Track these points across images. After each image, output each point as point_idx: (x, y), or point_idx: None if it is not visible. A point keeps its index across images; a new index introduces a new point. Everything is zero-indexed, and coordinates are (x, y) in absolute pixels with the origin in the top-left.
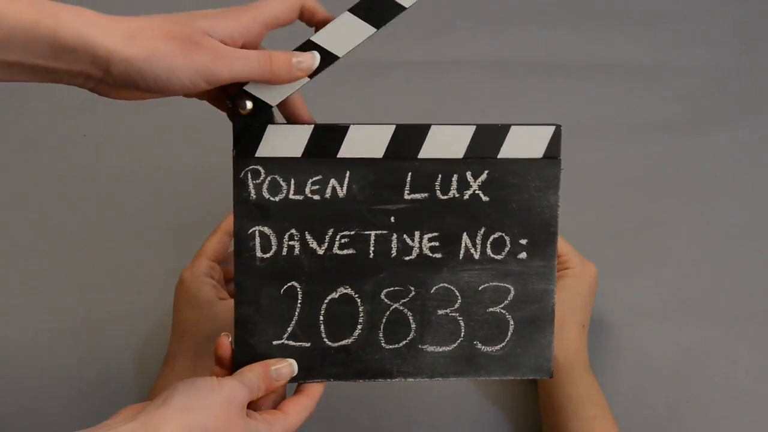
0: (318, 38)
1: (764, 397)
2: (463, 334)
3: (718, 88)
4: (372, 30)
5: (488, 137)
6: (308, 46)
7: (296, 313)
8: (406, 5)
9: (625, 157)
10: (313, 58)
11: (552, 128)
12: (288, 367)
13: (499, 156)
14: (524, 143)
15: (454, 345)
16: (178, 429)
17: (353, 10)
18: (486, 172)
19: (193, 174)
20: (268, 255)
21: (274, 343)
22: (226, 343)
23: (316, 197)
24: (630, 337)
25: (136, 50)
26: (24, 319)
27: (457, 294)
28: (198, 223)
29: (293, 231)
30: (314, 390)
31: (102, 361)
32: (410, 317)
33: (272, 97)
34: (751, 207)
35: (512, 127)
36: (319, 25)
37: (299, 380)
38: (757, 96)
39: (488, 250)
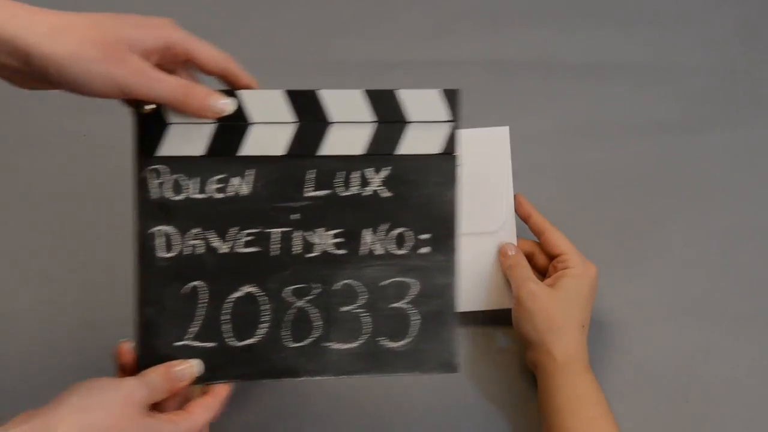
0: (245, 95)
1: (764, 397)
2: (367, 330)
3: (718, 88)
4: (292, 121)
5: (388, 133)
6: (230, 95)
7: (200, 312)
8: (330, 120)
9: (625, 157)
10: (229, 105)
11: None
12: (190, 368)
13: (398, 152)
14: (423, 139)
15: (359, 342)
16: (71, 428)
17: (290, 93)
18: (387, 168)
19: None
20: (170, 255)
21: (178, 344)
22: (126, 349)
23: (220, 195)
24: (630, 337)
25: (58, 48)
26: (24, 319)
27: (361, 290)
28: None
29: (197, 230)
30: (219, 390)
31: (102, 361)
32: (315, 315)
33: None
34: (751, 207)
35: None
36: (238, 87)
37: (204, 381)
38: (757, 96)
39: (391, 246)
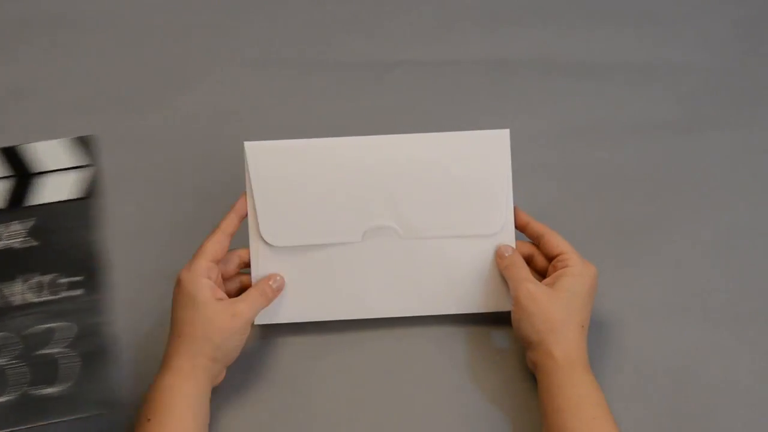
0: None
1: (764, 397)
2: (21, 381)
3: (718, 88)
4: None
5: (27, 185)
6: None
7: None
8: None
9: (625, 157)
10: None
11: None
12: None
13: (39, 202)
14: (61, 186)
15: (13, 395)
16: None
17: None
18: (31, 219)
19: (192, 174)
20: None
21: None
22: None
23: None
24: (630, 337)
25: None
26: None
27: (13, 341)
28: (197, 223)
29: None
30: None
31: None
32: None
33: None
34: (751, 207)
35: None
36: None
37: None
38: (757, 96)
39: (43, 293)
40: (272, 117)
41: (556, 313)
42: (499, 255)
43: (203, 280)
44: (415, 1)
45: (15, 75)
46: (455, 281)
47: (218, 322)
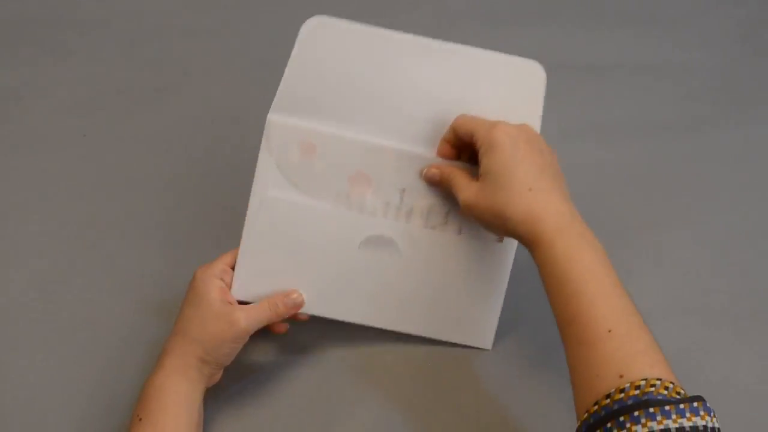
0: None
1: (764, 397)
2: None
3: (718, 88)
4: None
5: None
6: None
7: None
8: None
9: (625, 157)
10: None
11: None
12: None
13: None
14: None
15: None
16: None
17: None
18: None
19: (192, 174)
20: None
21: None
22: None
23: None
24: None
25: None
26: (23, 319)
27: None
28: (197, 223)
29: None
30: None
31: (102, 360)
32: None
33: None
34: (751, 207)
35: None
36: None
37: None
38: (757, 96)
39: None
40: None
41: (494, 203)
42: (428, 180)
43: (215, 281)
44: (415, 1)
45: (15, 75)
46: (439, 305)
47: (213, 327)
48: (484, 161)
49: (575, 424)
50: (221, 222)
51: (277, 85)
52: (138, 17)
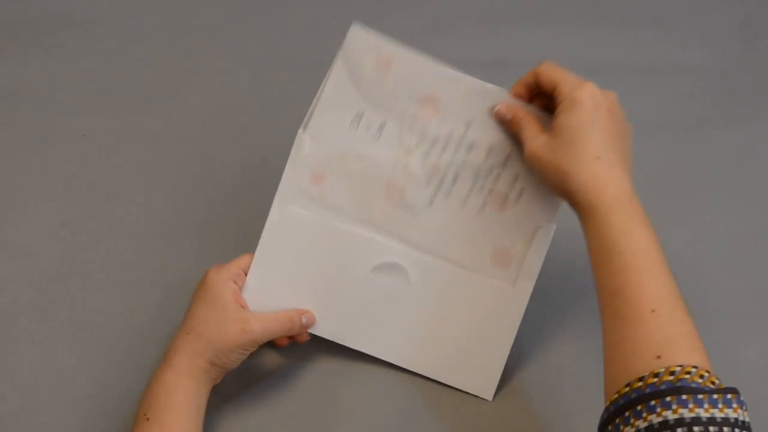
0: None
1: (764, 397)
2: None
3: (718, 88)
4: None
5: None
6: None
7: None
8: None
9: None
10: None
11: None
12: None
13: None
14: None
15: None
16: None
17: None
18: None
19: (192, 174)
20: None
21: None
22: None
23: None
24: None
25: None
26: (23, 319)
27: None
28: (197, 223)
29: None
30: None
31: (102, 361)
32: None
33: None
34: (751, 207)
35: None
36: None
37: None
38: (757, 96)
39: None
40: (273, 117)
41: (560, 161)
42: (499, 117)
43: (230, 283)
44: (415, 1)
45: (15, 75)
46: (445, 344)
47: (225, 331)
48: (561, 117)
49: None
50: (221, 222)
51: (279, 82)
52: (138, 17)
